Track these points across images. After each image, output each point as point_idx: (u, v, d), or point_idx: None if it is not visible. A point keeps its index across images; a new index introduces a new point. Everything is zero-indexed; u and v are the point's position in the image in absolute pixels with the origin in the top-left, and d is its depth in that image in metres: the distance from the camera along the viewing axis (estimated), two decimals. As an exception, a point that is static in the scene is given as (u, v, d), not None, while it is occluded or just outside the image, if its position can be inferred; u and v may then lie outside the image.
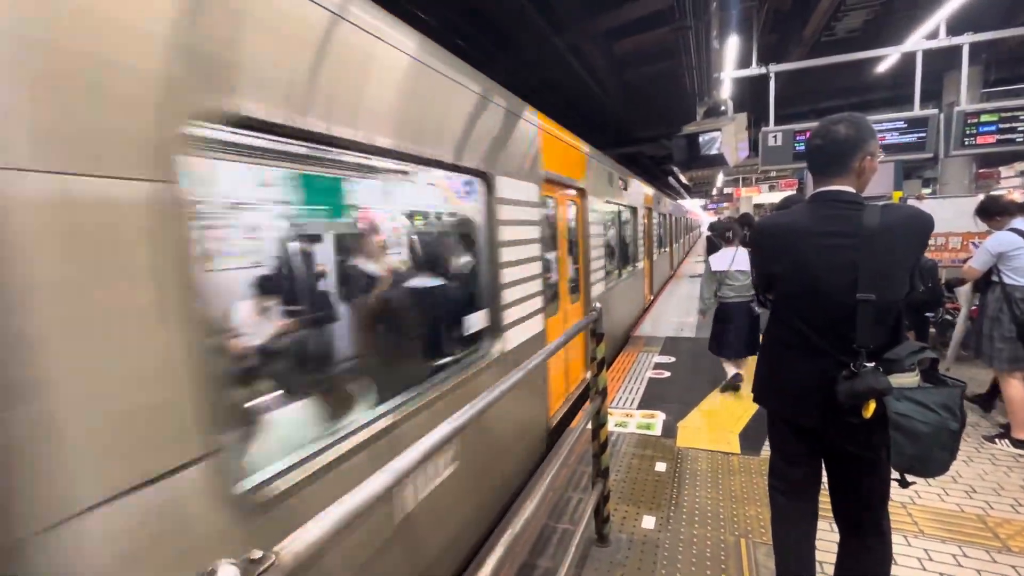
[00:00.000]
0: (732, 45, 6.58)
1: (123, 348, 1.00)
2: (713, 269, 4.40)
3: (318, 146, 1.65)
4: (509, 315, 2.95)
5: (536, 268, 3.43)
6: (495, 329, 2.81)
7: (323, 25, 1.58)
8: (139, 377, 1.03)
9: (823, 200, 1.60)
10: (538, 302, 3.46)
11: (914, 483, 1.52)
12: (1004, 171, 13.26)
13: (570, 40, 6.16)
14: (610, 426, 3.53)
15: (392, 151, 1.92)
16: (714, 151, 6.65)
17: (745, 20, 6.77)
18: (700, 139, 6.70)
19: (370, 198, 2.56)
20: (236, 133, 1.33)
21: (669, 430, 3.84)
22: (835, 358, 1.52)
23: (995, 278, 3.30)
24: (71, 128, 0.93)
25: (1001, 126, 5.81)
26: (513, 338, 3.00)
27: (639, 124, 10.94)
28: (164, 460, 1.06)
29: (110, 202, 0.99)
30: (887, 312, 1.50)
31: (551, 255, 4.08)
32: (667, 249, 13.93)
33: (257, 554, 0.60)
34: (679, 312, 8.72)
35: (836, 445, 1.62)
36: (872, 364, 1.45)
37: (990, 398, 3.81)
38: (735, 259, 4.31)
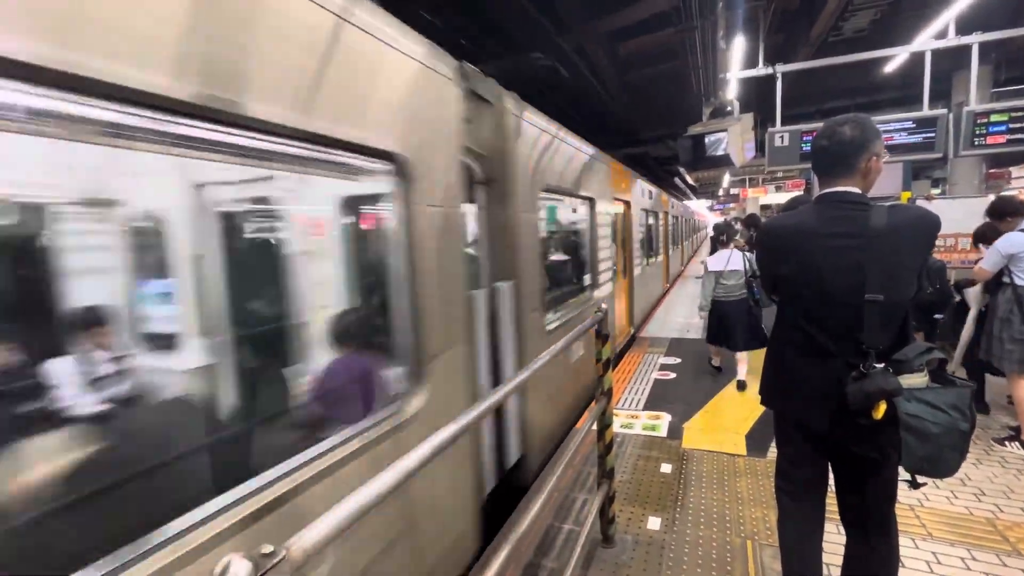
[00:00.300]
0: (738, 45, 6.55)
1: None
2: (710, 269, 4.75)
3: (557, 195, 3.99)
4: (599, 279, 4.97)
5: (609, 253, 5.54)
6: (594, 285, 4.86)
7: (563, 149, 3.88)
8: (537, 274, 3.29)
9: (829, 201, 1.60)
10: (610, 274, 5.58)
11: (924, 484, 1.52)
12: (1015, 171, 13.12)
13: (574, 41, 6.16)
14: (615, 427, 3.53)
15: (577, 194, 4.37)
16: (720, 152, 6.63)
17: (751, 20, 6.74)
18: (706, 140, 6.68)
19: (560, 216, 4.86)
20: (544, 191, 3.46)
21: (675, 431, 3.84)
22: (842, 359, 1.52)
23: (1006, 279, 3.27)
24: (525, 195, 3.12)
25: (1011, 126, 5.73)
26: (600, 293, 5.00)
27: (644, 125, 10.92)
28: (536, 305, 3.29)
29: (529, 221, 3.14)
30: (894, 313, 1.50)
31: (612, 246, 6.08)
32: (679, 246, 15.28)
33: (268, 548, 0.62)
34: (685, 313, 8.69)
35: (844, 446, 1.61)
36: (881, 365, 1.45)
37: (979, 402, 3.78)
38: (730, 260, 4.62)
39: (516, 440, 3.02)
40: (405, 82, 1.85)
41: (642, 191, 7.97)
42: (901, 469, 1.48)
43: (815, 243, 1.57)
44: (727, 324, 4.65)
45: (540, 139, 3.38)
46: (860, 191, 1.58)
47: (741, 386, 4.65)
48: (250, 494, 1.25)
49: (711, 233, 7.19)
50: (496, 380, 2.81)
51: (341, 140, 1.53)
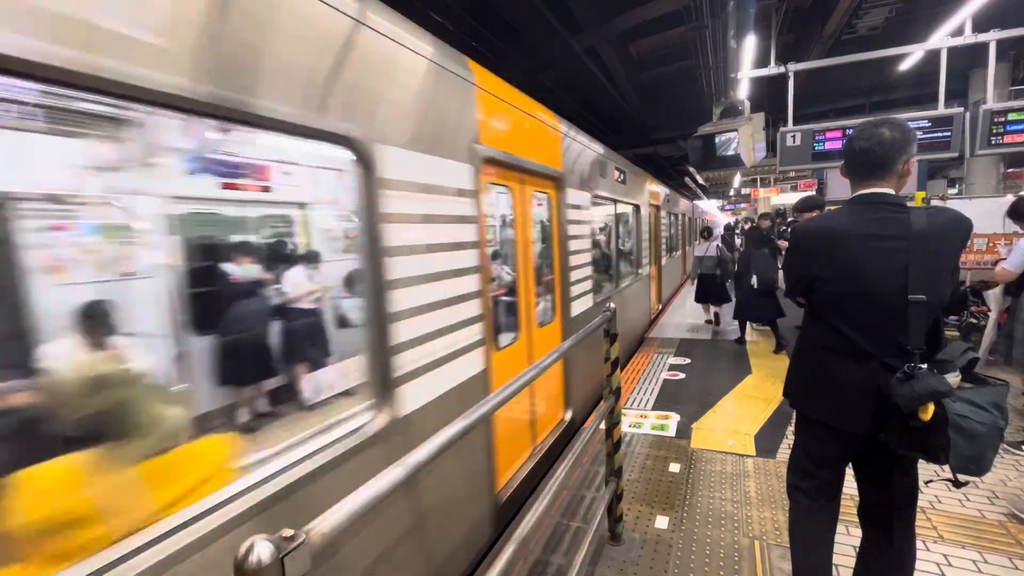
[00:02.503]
0: (749, 44, 6.50)
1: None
2: (695, 254, 7.72)
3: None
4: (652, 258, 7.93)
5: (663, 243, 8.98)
6: (644, 264, 7.28)
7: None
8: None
9: (868, 203, 1.59)
10: (662, 252, 8.90)
11: (967, 483, 1.52)
12: (1034, 170, 12.83)
13: (586, 42, 6.17)
14: (624, 426, 3.54)
15: (664, 209, 8.91)
16: (730, 152, 6.58)
17: (763, 19, 6.68)
18: (716, 140, 6.64)
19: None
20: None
21: (683, 431, 3.84)
22: (881, 361, 1.51)
23: None
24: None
25: (1030, 125, 5.63)
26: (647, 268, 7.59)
27: (655, 125, 10.88)
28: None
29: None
30: (932, 314, 1.50)
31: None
32: (691, 247, 15.73)
33: (289, 532, 0.65)
34: (694, 314, 8.65)
35: (883, 447, 1.56)
36: (925, 366, 1.44)
37: None
38: (708, 249, 7.40)
39: None
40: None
41: (671, 198, 11.07)
42: (943, 469, 1.47)
43: (856, 245, 1.55)
44: (705, 289, 7.53)
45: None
46: (895, 192, 1.58)
47: (717, 322, 7.55)
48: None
49: (720, 231, 8.80)
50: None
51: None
